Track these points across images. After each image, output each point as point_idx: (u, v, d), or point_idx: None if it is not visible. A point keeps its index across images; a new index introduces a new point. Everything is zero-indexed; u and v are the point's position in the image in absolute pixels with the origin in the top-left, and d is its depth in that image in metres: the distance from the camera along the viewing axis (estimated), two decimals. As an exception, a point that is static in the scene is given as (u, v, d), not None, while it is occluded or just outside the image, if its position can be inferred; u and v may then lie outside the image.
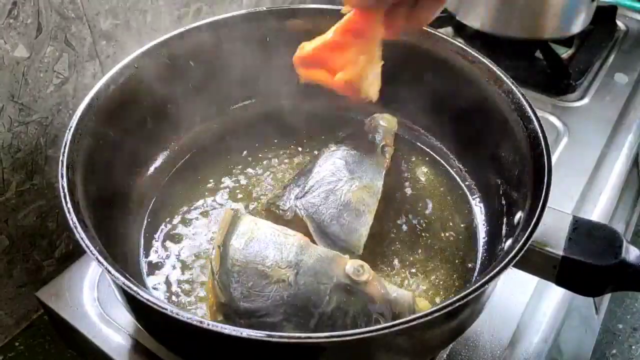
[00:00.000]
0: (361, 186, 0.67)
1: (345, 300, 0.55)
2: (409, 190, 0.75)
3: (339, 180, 0.67)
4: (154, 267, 0.66)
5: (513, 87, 0.65)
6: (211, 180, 0.76)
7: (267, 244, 0.59)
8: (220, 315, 0.55)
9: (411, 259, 0.66)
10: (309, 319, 0.53)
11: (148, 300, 0.45)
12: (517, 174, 0.62)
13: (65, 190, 0.52)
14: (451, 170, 0.77)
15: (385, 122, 0.77)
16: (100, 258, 0.47)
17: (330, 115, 0.85)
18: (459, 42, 0.72)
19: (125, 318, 0.65)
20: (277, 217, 0.66)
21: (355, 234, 0.63)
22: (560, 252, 0.53)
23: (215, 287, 0.56)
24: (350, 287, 0.56)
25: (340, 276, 0.56)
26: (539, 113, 0.62)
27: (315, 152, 0.79)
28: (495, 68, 0.68)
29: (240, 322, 0.54)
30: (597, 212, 0.80)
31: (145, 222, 0.70)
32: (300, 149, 0.81)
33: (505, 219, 0.63)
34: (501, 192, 0.66)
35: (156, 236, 0.69)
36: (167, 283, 0.64)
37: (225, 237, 0.60)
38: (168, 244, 0.68)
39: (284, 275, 0.56)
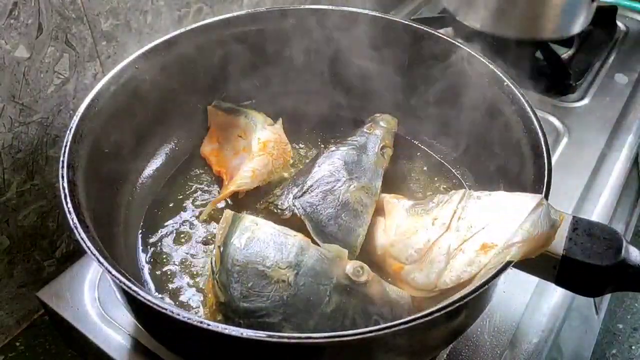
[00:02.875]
0: (359, 187, 0.67)
1: (344, 301, 0.55)
2: (408, 190, 0.75)
3: (337, 180, 0.67)
4: (154, 267, 0.66)
5: (513, 87, 0.65)
6: (213, 181, 0.76)
7: (267, 244, 0.59)
8: (220, 315, 0.55)
9: (411, 259, 0.66)
10: (308, 320, 0.53)
11: (148, 300, 0.45)
12: (517, 174, 0.62)
13: (66, 190, 0.52)
14: (452, 170, 0.77)
15: (385, 123, 0.77)
16: (100, 258, 0.47)
17: (330, 115, 0.85)
18: (459, 43, 0.72)
19: (125, 318, 0.65)
20: (276, 217, 0.66)
21: (353, 234, 0.63)
22: (560, 252, 0.53)
23: (215, 287, 0.56)
24: (349, 288, 0.56)
25: (340, 277, 0.56)
26: (539, 113, 0.62)
27: (315, 152, 0.79)
28: (495, 68, 0.68)
29: (239, 322, 0.54)
30: (597, 212, 0.80)
31: (146, 221, 0.70)
32: (300, 148, 0.81)
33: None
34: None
35: (156, 236, 0.69)
36: (167, 283, 0.64)
37: (226, 237, 0.60)
38: (168, 244, 0.68)
39: (284, 275, 0.56)
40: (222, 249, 0.58)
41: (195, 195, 0.74)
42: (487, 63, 0.69)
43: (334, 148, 0.72)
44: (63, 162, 0.55)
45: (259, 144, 0.73)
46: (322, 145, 0.80)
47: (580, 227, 0.55)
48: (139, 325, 0.57)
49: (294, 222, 0.64)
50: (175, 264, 0.66)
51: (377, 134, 0.74)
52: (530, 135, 0.60)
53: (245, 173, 0.70)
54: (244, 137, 0.77)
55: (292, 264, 0.57)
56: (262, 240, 0.59)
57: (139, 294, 0.45)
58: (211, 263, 0.58)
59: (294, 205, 0.64)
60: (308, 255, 0.58)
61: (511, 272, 0.49)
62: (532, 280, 0.65)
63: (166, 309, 0.44)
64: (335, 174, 0.68)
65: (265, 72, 0.81)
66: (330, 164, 0.69)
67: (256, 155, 0.72)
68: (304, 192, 0.66)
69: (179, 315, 0.44)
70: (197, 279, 0.64)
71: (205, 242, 0.68)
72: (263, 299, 0.54)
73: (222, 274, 0.57)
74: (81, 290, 0.68)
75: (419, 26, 0.75)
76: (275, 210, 0.66)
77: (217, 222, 0.67)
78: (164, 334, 0.55)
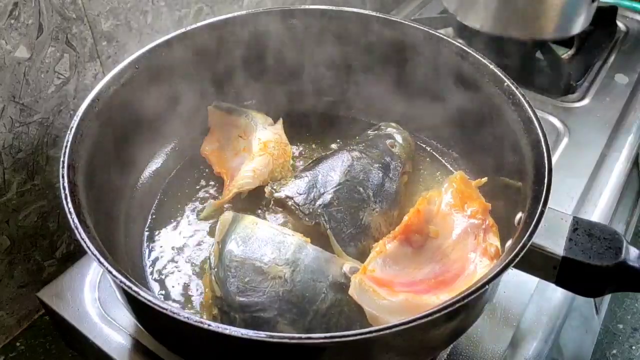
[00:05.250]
0: (382, 212, 0.67)
1: (340, 299, 0.55)
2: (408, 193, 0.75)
3: (362, 200, 0.66)
4: (154, 267, 0.66)
5: (513, 87, 0.65)
6: (213, 181, 0.76)
7: (265, 242, 0.59)
8: (215, 309, 0.55)
9: (411, 259, 0.66)
10: (303, 316, 0.54)
11: (148, 300, 0.45)
12: (518, 175, 0.62)
13: (67, 190, 0.52)
14: (452, 170, 0.77)
15: (405, 143, 0.75)
16: (101, 259, 0.47)
17: (331, 116, 0.85)
18: (459, 43, 0.72)
19: (125, 318, 0.65)
20: (293, 215, 0.65)
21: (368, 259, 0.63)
22: (561, 253, 0.53)
23: (212, 282, 0.57)
24: (345, 287, 0.56)
25: (337, 275, 0.57)
26: (539, 114, 0.62)
27: (314, 152, 0.79)
28: (495, 69, 0.68)
29: (234, 317, 0.54)
30: (597, 212, 0.80)
31: (147, 222, 0.71)
32: (301, 148, 0.81)
33: (505, 220, 0.63)
34: (502, 193, 0.66)
35: (157, 236, 0.69)
36: (168, 283, 0.64)
37: (225, 234, 0.60)
38: (169, 244, 0.68)
39: (281, 272, 0.56)
40: (220, 245, 0.59)
41: (196, 194, 0.74)
42: (487, 63, 0.68)
43: (358, 155, 0.71)
44: (63, 162, 0.55)
45: (259, 144, 0.73)
46: (339, 141, 0.80)
47: (581, 228, 0.55)
48: (139, 326, 0.57)
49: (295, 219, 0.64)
50: (176, 264, 0.66)
51: (397, 153, 0.73)
52: (530, 136, 0.60)
53: (246, 173, 0.70)
54: (244, 137, 0.77)
55: (289, 261, 0.57)
56: (260, 239, 0.60)
57: (139, 294, 0.45)
58: (209, 259, 0.59)
59: (321, 216, 0.64)
60: (305, 253, 0.58)
61: (511, 272, 0.49)
62: (532, 280, 0.65)
63: (166, 309, 0.44)
64: (361, 192, 0.67)
65: (266, 72, 0.81)
66: (354, 175, 0.68)
67: (257, 155, 0.72)
68: (331, 203, 0.65)
69: (179, 315, 0.44)
70: (198, 279, 0.64)
71: (207, 243, 0.68)
72: (259, 293, 0.55)
73: (219, 269, 0.57)
74: (82, 291, 0.68)
75: (420, 27, 0.75)
76: (297, 213, 0.64)
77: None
78: (164, 334, 0.55)
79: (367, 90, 0.83)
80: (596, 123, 0.94)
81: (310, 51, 0.80)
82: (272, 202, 0.67)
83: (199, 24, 0.74)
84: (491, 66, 0.68)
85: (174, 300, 0.63)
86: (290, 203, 0.65)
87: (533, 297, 0.69)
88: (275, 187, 0.67)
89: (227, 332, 0.43)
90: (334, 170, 0.68)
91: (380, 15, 0.77)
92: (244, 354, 0.49)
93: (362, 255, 0.62)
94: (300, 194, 0.66)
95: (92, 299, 0.68)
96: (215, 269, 0.57)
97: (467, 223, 0.61)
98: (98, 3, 0.70)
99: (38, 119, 0.69)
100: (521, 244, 0.49)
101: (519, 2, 0.98)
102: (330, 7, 0.77)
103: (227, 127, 0.78)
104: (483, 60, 0.69)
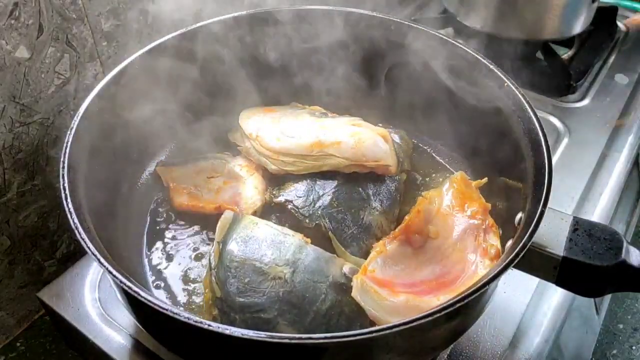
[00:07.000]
0: (382, 211, 0.67)
1: (340, 299, 0.55)
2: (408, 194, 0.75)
3: (362, 200, 0.67)
4: (154, 267, 0.66)
5: (513, 87, 0.65)
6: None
7: (265, 242, 0.59)
8: (215, 310, 0.56)
9: (412, 259, 0.66)
10: (304, 317, 0.54)
11: (148, 300, 0.45)
12: (518, 175, 0.62)
13: (67, 190, 0.52)
14: (453, 171, 0.77)
15: (403, 143, 0.75)
16: (101, 259, 0.47)
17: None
18: (460, 43, 0.72)
19: (125, 318, 0.65)
20: (294, 218, 0.65)
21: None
22: (561, 253, 0.53)
23: (212, 282, 0.57)
24: (346, 287, 0.56)
25: (337, 276, 0.57)
26: (540, 114, 0.62)
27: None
28: (495, 69, 0.68)
29: (235, 317, 0.54)
30: (597, 212, 0.80)
31: (147, 222, 0.71)
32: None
33: (506, 220, 0.63)
34: (502, 193, 0.66)
35: (157, 236, 0.69)
36: (168, 283, 0.64)
37: (226, 234, 0.60)
38: (169, 244, 0.68)
39: (281, 272, 0.56)
40: (221, 245, 0.59)
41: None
42: (487, 63, 0.69)
43: None
44: (64, 162, 0.55)
45: (242, 169, 0.73)
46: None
47: (581, 228, 0.55)
48: (139, 325, 0.57)
49: (292, 220, 0.64)
50: (176, 264, 0.66)
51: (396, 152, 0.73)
52: (530, 136, 0.60)
53: (250, 194, 0.70)
54: (215, 175, 0.74)
55: (289, 261, 0.57)
56: (260, 239, 0.60)
57: (139, 294, 0.45)
58: (209, 259, 0.59)
59: (322, 218, 0.64)
60: (305, 253, 0.58)
61: (512, 272, 0.49)
62: (533, 280, 0.65)
63: (166, 309, 0.44)
64: (360, 192, 0.67)
65: (267, 72, 0.81)
66: (353, 175, 0.68)
67: (248, 177, 0.72)
68: (330, 204, 0.65)
69: (179, 315, 0.44)
70: (198, 279, 0.64)
71: (206, 243, 0.68)
72: (259, 294, 0.55)
73: (220, 269, 0.57)
74: (82, 291, 0.69)
75: (420, 27, 0.75)
76: (297, 216, 0.65)
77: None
78: (164, 334, 0.55)
79: (362, 90, 0.82)
80: (596, 123, 0.94)
81: (307, 52, 0.80)
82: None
83: (199, 24, 0.73)
84: (491, 66, 0.68)
85: (173, 300, 0.63)
86: (290, 207, 0.65)
87: (533, 298, 0.69)
88: (274, 192, 0.68)
89: (227, 332, 0.43)
90: (331, 171, 0.68)
91: (379, 15, 0.77)
92: (244, 354, 0.49)
93: (365, 255, 0.62)
94: (300, 197, 0.66)
95: (92, 299, 0.68)
96: (216, 270, 0.57)
97: (467, 223, 0.61)
98: (98, 3, 0.70)
99: (38, 119, 0.69)
100: (521, 244, 0.49)
101: (519, 2, 0.98)
102: (330, 8, 0.77)
103: (188, 175, 0.75)
104: (483, 60, 0.69)
